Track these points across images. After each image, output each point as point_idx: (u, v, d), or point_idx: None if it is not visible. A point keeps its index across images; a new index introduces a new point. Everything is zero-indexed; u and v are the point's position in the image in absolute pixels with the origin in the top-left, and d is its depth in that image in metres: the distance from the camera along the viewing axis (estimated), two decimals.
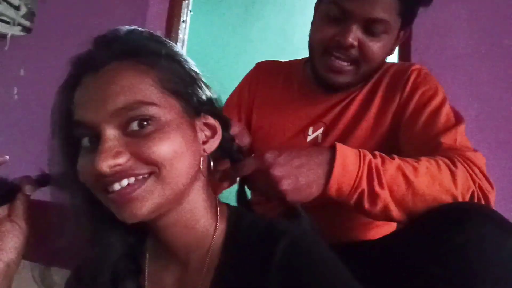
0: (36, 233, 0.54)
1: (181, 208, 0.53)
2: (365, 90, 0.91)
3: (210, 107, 0.57)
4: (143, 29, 0.55)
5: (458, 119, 0.79)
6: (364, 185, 0.63)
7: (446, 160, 0.68)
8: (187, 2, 1.86)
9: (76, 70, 0.52)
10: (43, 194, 0.54)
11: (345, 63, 0.83)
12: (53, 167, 0.54)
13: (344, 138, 0.88)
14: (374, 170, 0.63)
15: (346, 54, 0.82)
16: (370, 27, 0.80)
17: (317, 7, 0.89)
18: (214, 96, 0.59)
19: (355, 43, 0.80)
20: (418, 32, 1.25)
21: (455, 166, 0.67)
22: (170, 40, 0.58)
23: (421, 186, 0.63)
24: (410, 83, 0.86)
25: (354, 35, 0.80)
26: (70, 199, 0.53)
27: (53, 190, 0.54)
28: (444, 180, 0.64)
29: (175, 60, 0.54)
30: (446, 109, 0.80)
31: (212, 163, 0.60)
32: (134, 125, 0.48)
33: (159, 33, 0.57)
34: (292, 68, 1.04)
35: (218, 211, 0.58)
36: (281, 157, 0.63)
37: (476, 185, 0.66)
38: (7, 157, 0.54)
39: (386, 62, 0.96)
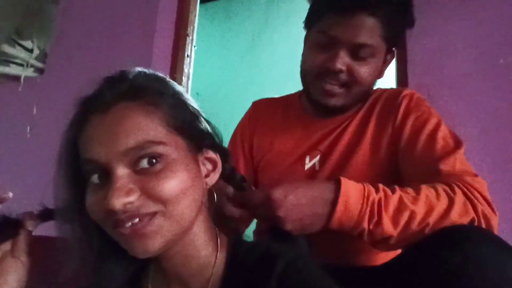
0: (38, 268, 0.55)
1: (184, 240, 0.55)
2: (358, 116, 0.94)
3: (210, 141, 0.61)
4: (148, 71, 0.59)
5: (457, 143, 0.80)
6: (365, 225, 0.65)
7: (446, 188, 0.69)
8: (191, 38, 1.93)
9: (84, 109, 0.55)
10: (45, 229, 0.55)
11: (336, 86, 0.87)
12: (58, 201, 0.55)
13: (341, 166, 0.90)
14: (376, 208, 0.65)
15: (336, 79, 0.86)
16: (356, 52, 0.84)
17: (306, 39, 0.93)
18: (213, 130, 0.62)
19: (344, 68, 0.85)
20: (414, 56, 1.28)
21: (453, 193, 0.68)
22: (175, 74, 0.61)
23: (421, 215, 0.65)
24: (401, 110, 0.88)
25: (342, 60, 0.84)
26: (72, 232, 0.55)
27: (57, 223, 0.55)
28: (443, 207, 0.66)
29: (178, 99, 0.57)
30: (442, 133, 0.81)
31: (215, 196, 0.62)
32: (144, 163, 0.50)
33: (163, 73, 0.60)
34: (288, 101, 1.09)
35: (218, 241, 0.59)
36: (287, 198, 0.65)
37: (479, 211, 0.67)
38: (11, 194, 0.56)
39: (379, 88, 0.98)
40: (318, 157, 0.94)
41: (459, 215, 0.65)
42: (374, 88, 1.00)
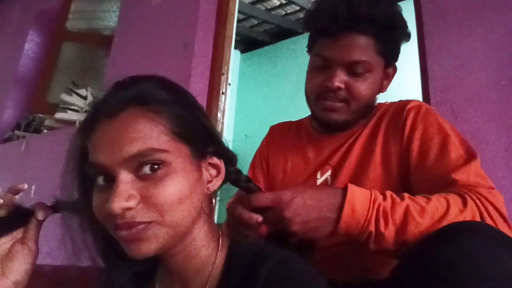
0: None
1: (184, 243, 0.58)
2: (366, 130, 0.94)
3: (215, 148, 0.62)
4: (158, 78, 0.61)
5: (471, 155, 0.77)
6: (372, 228, 0.65)
7: (458, 199, 0.67)
8: (225, 76, 2.06)
9: (93, 114, 0.58)
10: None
11: (336, 102, 0.90)
12: (65, 198, 0.60)
13: (354, 179, 0.89)
14: (381, 213, 0.65)
15: (335, 96, 0.89)
16: (352, 69, 0.87)
17: (308, 63, 0.97)
18: (219, 137, 0.65)
19: (342, 86, 0.88)
20: (434, 73, 1.26)
21: (465, 205, 0.66)
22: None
23: (426, 228, 0.63)
24: (408, 125, 0.86)
25: (340, 78, 0.87)
26: (81, 225, 0.59)
27: (64, 216, 0.60)
28: (451, 221, 0.63)
29: (184, 107, 0.59)
30: (453, 144, 0.79)
31: (214, 200, 0.65)
32: (146, 169, 0.52)
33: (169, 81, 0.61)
34: (301, 123, 1.13)
35: (220, 242, 0.62)
36: (295, 200, 0.66)
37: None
38: (26, 185, 0.61)
39: (387, 102, 0.99)
40: (329, 172, 0.94)
41: None
42: (379, 102, 1.00)
